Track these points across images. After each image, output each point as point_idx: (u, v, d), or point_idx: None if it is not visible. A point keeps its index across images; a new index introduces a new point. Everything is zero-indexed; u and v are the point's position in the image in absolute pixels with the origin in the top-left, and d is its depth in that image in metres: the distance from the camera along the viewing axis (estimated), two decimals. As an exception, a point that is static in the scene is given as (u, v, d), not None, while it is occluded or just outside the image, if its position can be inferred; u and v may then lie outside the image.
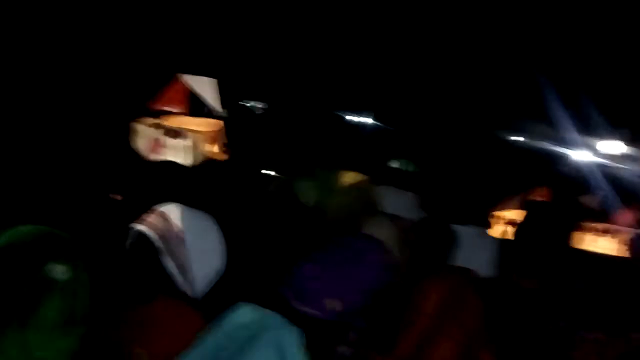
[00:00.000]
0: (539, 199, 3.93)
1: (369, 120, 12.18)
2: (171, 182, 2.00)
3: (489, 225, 2.82)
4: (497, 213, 3.62)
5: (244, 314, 1.15)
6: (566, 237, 2.20)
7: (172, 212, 1.46)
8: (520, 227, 2.30)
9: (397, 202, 2.42)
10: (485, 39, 7.95)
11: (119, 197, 2.24)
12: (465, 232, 2.10)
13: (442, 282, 1.53)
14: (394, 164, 5.15)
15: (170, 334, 1.25)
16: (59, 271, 1.09)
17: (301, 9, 8.17)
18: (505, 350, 1.56)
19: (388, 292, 1.56)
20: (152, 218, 1.45)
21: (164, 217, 1.45)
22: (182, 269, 1.40)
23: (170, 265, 1.39)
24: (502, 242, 2.25)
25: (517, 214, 3.46)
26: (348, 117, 12.44)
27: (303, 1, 8.02)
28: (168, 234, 1.41)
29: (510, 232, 2.65)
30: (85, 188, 2.48)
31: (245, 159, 3.64)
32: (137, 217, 1.48)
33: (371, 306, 1.49)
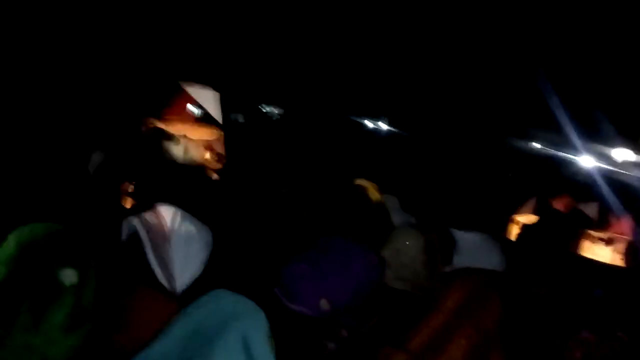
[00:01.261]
0: (559, 205, 3.89)
1: (383, 126, 12.08)
2: (175, 183, 2.09)
3: (498, 231, 2.79)
4: (514, 217, 3.66)
5: (216, 301, 1.19)
6: (567, 245, 2.18)
7: (167, 211, 1.55)
8: (521, 233, 2.31)
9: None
10: (496, 44, 7.93)
11: (130, 188, 2.28)
12: (469, 238, 2.11)
13: (465, 282, 1.53)
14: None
15: (146, 322, 1.28)
16: (69, 275, 1.12)
17: (312, 15, 8.22)
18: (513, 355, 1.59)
19: (378, 291, 1.61)
20: (146, 214, 1.54)
21: (158, 214, 1.53)
22: (164, 264, 1.48)
23: (151, 258, 1.46)
24: (512, 247, 2.25)
25: (529, 219, 3.47)
26: (362, 123, 12.36)
27: (315, 8, 8.06)
28: (156, 230, 1.50)
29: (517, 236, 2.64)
30: (89, 184, 2.52)
31: (246, 166, 3.68)
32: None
33: (363, 305, 1.55)
